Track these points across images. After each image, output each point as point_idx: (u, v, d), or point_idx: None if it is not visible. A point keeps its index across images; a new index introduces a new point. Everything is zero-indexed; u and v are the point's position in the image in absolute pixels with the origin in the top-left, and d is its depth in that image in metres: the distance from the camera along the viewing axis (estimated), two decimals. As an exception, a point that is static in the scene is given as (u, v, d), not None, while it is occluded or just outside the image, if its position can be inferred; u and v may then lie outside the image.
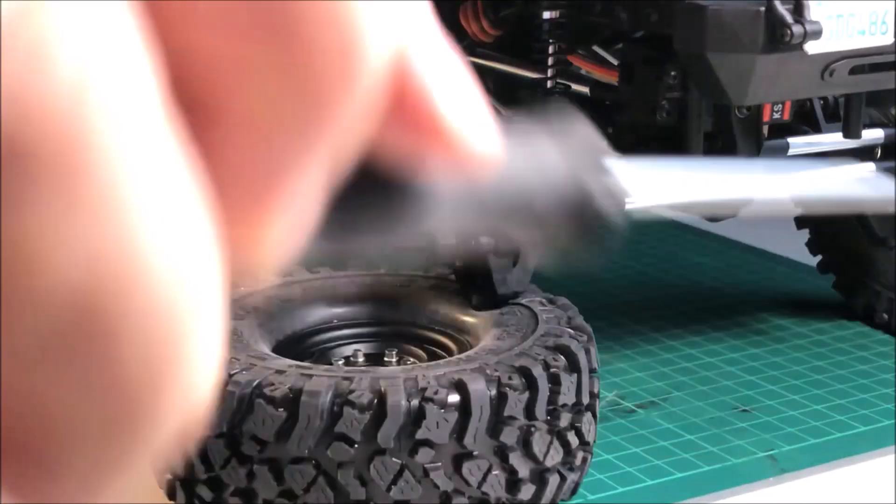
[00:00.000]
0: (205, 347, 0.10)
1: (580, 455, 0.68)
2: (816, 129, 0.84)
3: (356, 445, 0.62)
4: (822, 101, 0.85)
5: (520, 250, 0.74)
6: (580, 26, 0.77)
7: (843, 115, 0.81)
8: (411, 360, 0.71)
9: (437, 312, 0.75)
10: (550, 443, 0.66)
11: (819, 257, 0.99)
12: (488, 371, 0.64)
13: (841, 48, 0.70)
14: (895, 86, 0.74)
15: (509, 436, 0.64)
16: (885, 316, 0.94)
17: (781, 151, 0.82)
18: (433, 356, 0.71)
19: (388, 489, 0.62)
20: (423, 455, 0.62)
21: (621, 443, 0.77)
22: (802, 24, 0.66)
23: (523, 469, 0.65)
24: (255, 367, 0.65)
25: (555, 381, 0.66)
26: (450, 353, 0.70)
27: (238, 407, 0.63)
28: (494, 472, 0.64)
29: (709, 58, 0.68)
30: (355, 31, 0.10)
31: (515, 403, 0.64)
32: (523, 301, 0.74)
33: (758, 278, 1.07)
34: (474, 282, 0.74)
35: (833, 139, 0.84)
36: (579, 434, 0.68)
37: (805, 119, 0.85)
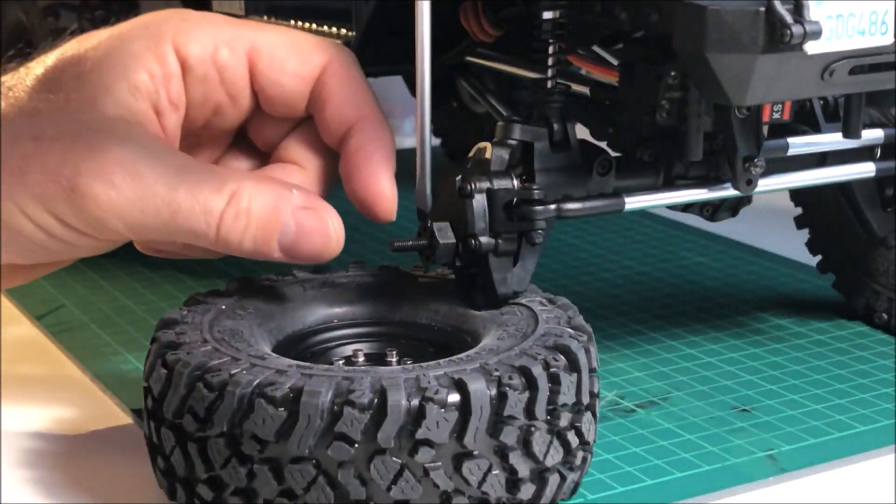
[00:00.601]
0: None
1: (580, 455, 0.68)
2: (816, 130, 0.84)
3: (356, 445, 0.62)
4: (821, 102, 0.85)
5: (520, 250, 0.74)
6: (580, 26, 0.77)
7: (843, 115, 0.81)
8: (411, 359, 0.70)
9: (438, 312, 0.75)
10: (550, 442, 0.66)
11: (819, 257, 0.99)
12: (488, 371, 0.64)
13: (841, 48, 0.69)
14: (895, 86, 0.74)
15: (509, 435, 0.64)
16: (885, 316, 0.94)
17: (781, 151, 0.82)
18: (433, 356, 0.71)
19: (389, 489, 0.62)
20: (424, 454, 0.62)
21: (621, 442, 0.76)
22: (802, 25, 0.66)
23: (523, 469, 0.65)
24: (256, 366, 0.65)
25: (555, 380, 0.65)
26: (450, 352, 0.70)
27: (238, 406, 0.63)
28: (494, 472, 0.64)
29: (708, 58, 0.68)
30: None
31: (515, 403, 0.64)
32: (523, 301, 0.74)
33: (758, 278, 1.07)
34: (474, 282, 0.74)
35: (833, 139, 0.84)
36: (579, 434, 0.67)
37: (805, 119, 0.84)
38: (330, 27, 1.02)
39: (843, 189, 0.92)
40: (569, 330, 0.69)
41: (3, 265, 0.71)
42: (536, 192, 0.73)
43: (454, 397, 0.63)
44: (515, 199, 0.73)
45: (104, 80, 0.70)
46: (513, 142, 0.75)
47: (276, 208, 0.69)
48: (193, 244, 0.69)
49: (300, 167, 0.75)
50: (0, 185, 0.66)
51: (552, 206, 0.74)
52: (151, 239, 0.71)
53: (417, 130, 0.72)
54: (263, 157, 0.77)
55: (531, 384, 0.64)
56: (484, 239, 0.72)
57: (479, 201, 0.72)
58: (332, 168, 0.74)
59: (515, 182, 0.74)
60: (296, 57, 0.74)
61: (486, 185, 0.73)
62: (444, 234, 0.72)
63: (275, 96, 0.74)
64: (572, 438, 0.67)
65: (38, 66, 0.71)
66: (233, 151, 0.78)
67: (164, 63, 0.71)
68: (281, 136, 0.77)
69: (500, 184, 0.73)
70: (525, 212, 0.73)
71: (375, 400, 0.62)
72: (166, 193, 0.67)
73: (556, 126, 0.76)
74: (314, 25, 1.04)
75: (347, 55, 0.75)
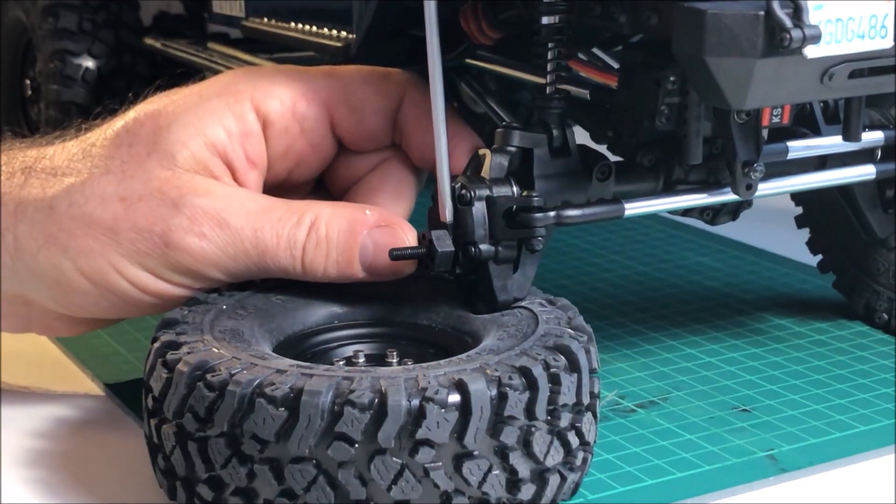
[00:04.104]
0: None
1: (580, 455, 0.68)
2: (816, 133, 0.84)
3: (356, 445, 0.62)
4: (821, 105, 0.85)
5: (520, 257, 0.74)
6: (579, 30, 0.77)
7: (843, 118, 0.81)
8: (412, 360, 0.71)
9: (438, 313, 0.75)
10: (551, 443, 0.66)
11: (819, 257, 0.99)
12: (489, 371, 0.64)
13: (840, 52, 0.69)
14: (895, 89, 0.74)
15: (510, 436, 0.64)
16: (886, 316, 0.94)
17: (781, 155, 0.82)
18: (434, 356, 0.71)
19: (389, 489, 0.62)
20: (424, 455, 0.62)
21: (621, 442, 0.77)
22: (802, 29, 0.66)
23: (524, 469, 0.65)
24: (256, 366, 0.65)
25: (555, 381, 0.66)
26: (450, 353, 0.70)
27: (239, 406, 0.63)
28: (495, 472, 0.64)
29: (707, 62, 0.68)
30: None
31: (516, 403, 0.64)
32: (523, 302, 0.74)
33: (758, 278, 1.07)
34: (475, 288, 0.74)
35: (833, 142, 0.84)
36: (580, 434, 0.67)
37: (805, 122, 0.85)
38: (330, 29, 1.02)
39: (843, 191, 0.92)
40: (569, 330, 0.69)
41: (70, 317, 0.77)
42: (536, 199, 0.73)
43: (454, 397, 0.63)
44: (515, 207, 0.73)
45: (182, 136, 0.73)
46: (512, 148, 0.75)
47: (352, 230, 0.72)
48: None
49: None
50: (92, 244, 0.70)
51: (552, 213, 0.74)
52: (244, 279, 0.73)
53: (437, 138, 0.72)
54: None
55: (531, 384, 0.65)
56: (484, 246, 0.72)
57: (479, 209, 0.72)
58: (402, 210, 0.77)
59: (515, 189, 0.74)
60: (373, 95, 0.77)
61: (485, 192, 0.73)
62: (443, 241, 0.72)
63: (360, 136, 0.77)
64: (573, 439, 0.67)
65: (119, 119, 0.74)
66: (312, 199, 0.80)
67: (243, 120, 0.74)
68: (355, 182, 0.79)
69: (499, 191, 0.73)
70: (525, 219, 0.73)
71: (376, 400, 0.62)
72: (252, 235, 0.71)
73: (555, 132, 0.76)
74: (314, 27, 1.04)
75: (420, 81, 0.77)
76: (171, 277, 0.73)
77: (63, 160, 0.74)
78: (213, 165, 0.74)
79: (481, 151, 0.75)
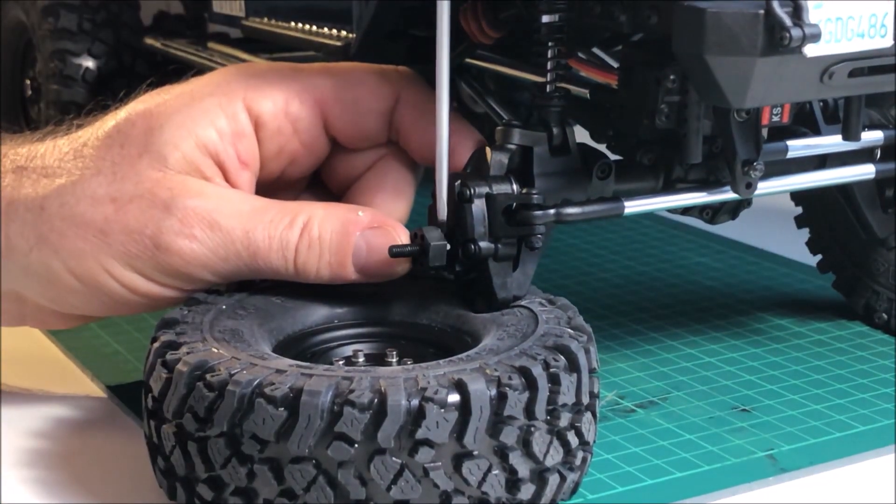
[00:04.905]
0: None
1: (580, 455, 0.68)
2: (816, 132, 0.84)
3: (356, 445, 0.62)
4: (821, 104, 0.85)
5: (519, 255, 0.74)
6: (579, 29, 0.77)
7: (843, 117, 0.81)
8: (411, 360, 0.71)
9: (438, 313, 0.75)
10: (550, 442, 0.66)
11: (819, 257, 0.99)
12: (488, 371, 0.64)
13: (840, 51, 0.69)
14: (895, 88, 0.74)
15: (509, 435, 0.64)
16: (885, 316, 0.94)
17: (780, 154, 0.82)
18: (433, 356, 0.71)
19: (388, 488, 0.62)
20: (423, 454, 0.63)
21: (621, 442, 0.77)
22: (801, 28, 0.66)
23: (523, 469, 0.65)
24: (256, 366, 0.65)
25: (555, 380, 0.66)
26: (450, 353, 0.70)
27: (238, 406, 0.63)
28: (494, 472, 0.64)
29: (707, 60, 0.68)
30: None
31: (515, 403, 0.64)
32: (523, 301, 0.74)
33: (758, 278, 1.07)
34: (474, 286, 0.74)
35: (832, 141, 0.84)
36: (579, 434, 0.68)
37: (804, 121, 0.85)
38: (330, 29, 1.02)
39: (843, 190, 0.92)
40: (569, 330, 0.69)
41: (60, 312, 0.77)
42: (535, 196, 0.73)
43: (454, 397, 0.63)
44: (515, 204, 0.73)
45: (174, 137, 0.73)
46: (512, 146, 0.75)
47: (345, 232, 0.72)
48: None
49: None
50: (82, 246, 0.70)
51: (551, 211, 0.74)
52: (236, 281, 0.74)
53: (438, 136, 0.72)
54: (337, 199, 0.80)
55: (531, 384, 0.65)
56: (483, 244, 0.72)
57: (479, 206, 0.72)
58: (402, 208, 0.77)
59: (515, 186, 0.74)
60: (366, 94, 0.77)
61: (485, 189, 0.73)
62: (433, 235, 0.72)
63: (354, 135, 0.77)
64: (572, 438, 0.67)
65: (111, 119, 0.74)
66: (307, 196, 0.80)
67: (235, 121, 0.74)
68: (353, 178, 0.79)
69: (499, 188, 0.73)
70: (524, 216, 0.73)
71: (375, 400, 0.62)
72: (244, 237, 0.71)
73: (555, 130, 0.76)
74: (314, 27, 1.04)
75: (416, 79, 0.77)
76: (161, 279, 0.73)
77: (54, 160, 0.74)
78: (205, 166, 0.73)
79: (483, 149, 0.76)
